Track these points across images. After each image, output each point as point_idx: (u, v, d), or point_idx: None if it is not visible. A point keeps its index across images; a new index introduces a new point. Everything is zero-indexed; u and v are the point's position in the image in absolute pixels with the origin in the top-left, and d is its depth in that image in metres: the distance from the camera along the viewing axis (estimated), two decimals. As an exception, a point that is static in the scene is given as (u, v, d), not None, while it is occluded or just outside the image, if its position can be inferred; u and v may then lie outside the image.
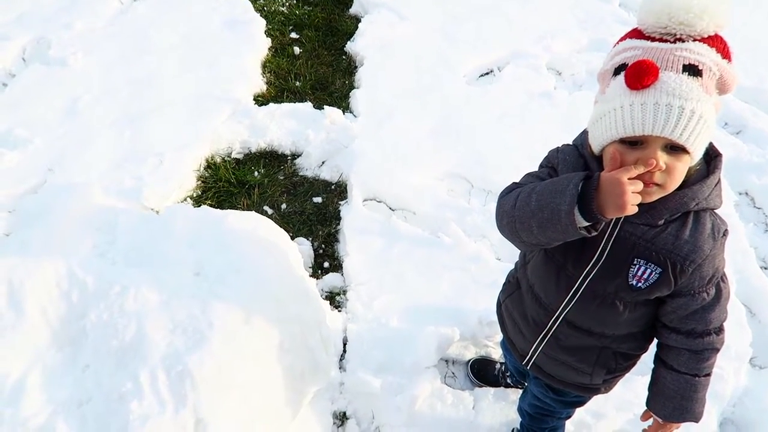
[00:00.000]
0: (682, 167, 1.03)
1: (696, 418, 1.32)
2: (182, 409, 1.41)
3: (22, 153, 2.73)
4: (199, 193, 2.73)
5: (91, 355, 1.48)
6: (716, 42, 0.99)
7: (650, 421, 1.42)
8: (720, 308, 1.22)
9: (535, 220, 1.11)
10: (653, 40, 1.01)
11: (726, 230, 1.17)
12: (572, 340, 1.36)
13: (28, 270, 1.55)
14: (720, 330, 1.26)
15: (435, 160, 2.85)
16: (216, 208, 2.28)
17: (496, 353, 2.19)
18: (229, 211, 1.89)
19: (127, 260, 1.63)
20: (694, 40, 0.99)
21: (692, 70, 0.97)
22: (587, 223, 1.06)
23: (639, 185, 1.00)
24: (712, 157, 1.14)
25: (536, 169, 1.34)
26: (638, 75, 0.97)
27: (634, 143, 1.02)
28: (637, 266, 1.16)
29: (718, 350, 1.27)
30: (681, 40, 0.99)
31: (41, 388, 1.44)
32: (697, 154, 1.03)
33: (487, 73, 3.51)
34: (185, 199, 2.68)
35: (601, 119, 1.06)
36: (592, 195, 1.04)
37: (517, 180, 1.31)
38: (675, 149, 1.01)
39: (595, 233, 1.09)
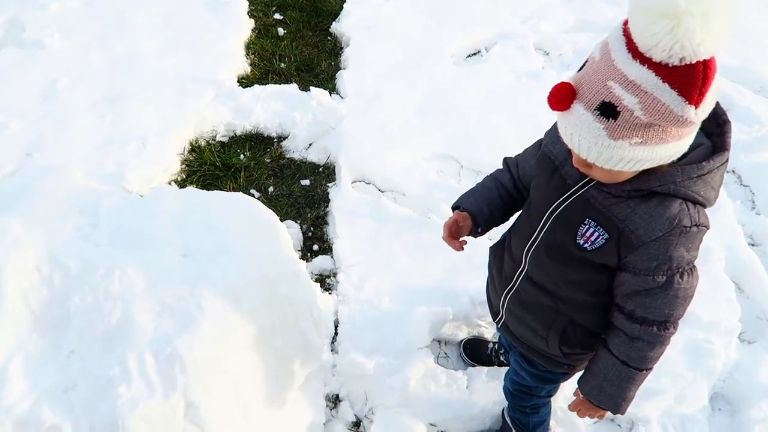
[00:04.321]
0: (601, 173, 1.07)
1: (614, 407, 1.29)
2: (172, 393, 1.37)
3: (-3, 138, 2.64)
4: (184, 176, 2.67)
5: (76, 340, 1.43)
6: (691, 73, 0.87)
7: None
8: (665, 299, 1.17)
9: None
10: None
11: (690, 227, 1.09)
12: (531, 297, 1.38)
13: (6, 254, 1.48)
14: (663, 325, 1.19)
15: (423, 141, 2.81)
16: (202, 191, 2.22)
17: (489, 333, 2.18)
18: (216, 191, 1.84)
19: (111, 243, 1.57)
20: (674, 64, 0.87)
21: (606, 109, 0.93)
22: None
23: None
24: (717, 148, 1.09)
25: (529, 145, 1.41)
26: (552, 100, 1.00)
27: None
28: (587, 227, 1.18)
29: (653, 345, 1.21)
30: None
31: (24, 375, 1.38)
32: (616, 170, 1.02)
33: (474, 54, 3.47)
34: (169, 183, 2.61)
35: None
36: None
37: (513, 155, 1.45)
38: None
39: (481, 235, 1.45)
